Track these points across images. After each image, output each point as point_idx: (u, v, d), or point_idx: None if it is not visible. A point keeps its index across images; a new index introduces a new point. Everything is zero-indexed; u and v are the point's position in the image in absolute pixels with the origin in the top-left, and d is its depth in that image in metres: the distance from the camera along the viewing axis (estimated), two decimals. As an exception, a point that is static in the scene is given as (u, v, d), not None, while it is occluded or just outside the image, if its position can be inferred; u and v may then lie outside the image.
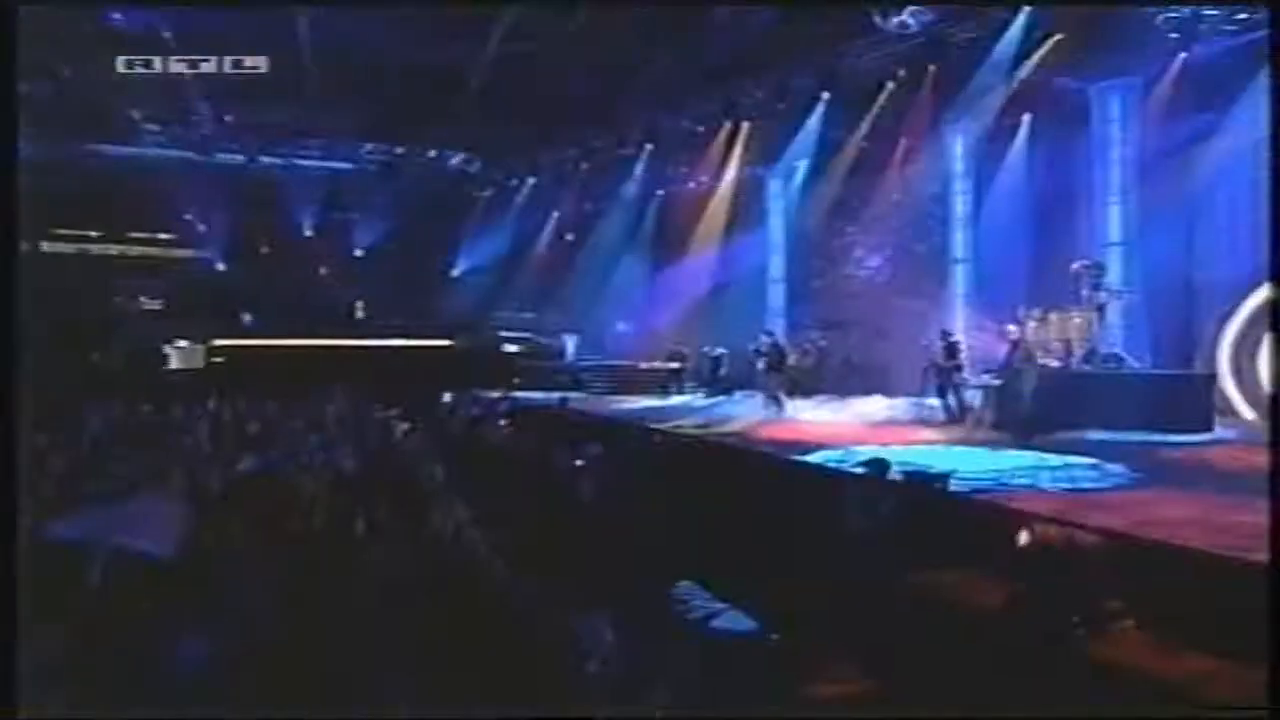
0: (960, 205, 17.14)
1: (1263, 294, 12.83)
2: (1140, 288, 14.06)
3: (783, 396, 13.30)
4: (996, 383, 11.01)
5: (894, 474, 7.74)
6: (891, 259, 17.75)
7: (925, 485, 7.69)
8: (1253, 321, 13.15)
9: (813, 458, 9.41)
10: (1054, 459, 9.04)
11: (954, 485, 7.65)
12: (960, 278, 17.01)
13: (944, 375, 12.50)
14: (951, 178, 16.95)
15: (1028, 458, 9.38)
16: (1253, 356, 13.22)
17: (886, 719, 3.70)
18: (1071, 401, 11.15)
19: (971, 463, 8.93)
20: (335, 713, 2.94)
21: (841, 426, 11.91)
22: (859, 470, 7.74)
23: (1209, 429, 11.22)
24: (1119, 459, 8.82)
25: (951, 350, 12.54)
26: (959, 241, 17.01)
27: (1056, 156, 15.58)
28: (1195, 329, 14.36)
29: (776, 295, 20.01)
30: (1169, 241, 14.37)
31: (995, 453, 9.80)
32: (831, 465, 9.03)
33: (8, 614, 3.15)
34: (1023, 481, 8.16)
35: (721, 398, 16.13)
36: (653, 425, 12.09)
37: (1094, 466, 8.81)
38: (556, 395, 15.26)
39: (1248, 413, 12.90)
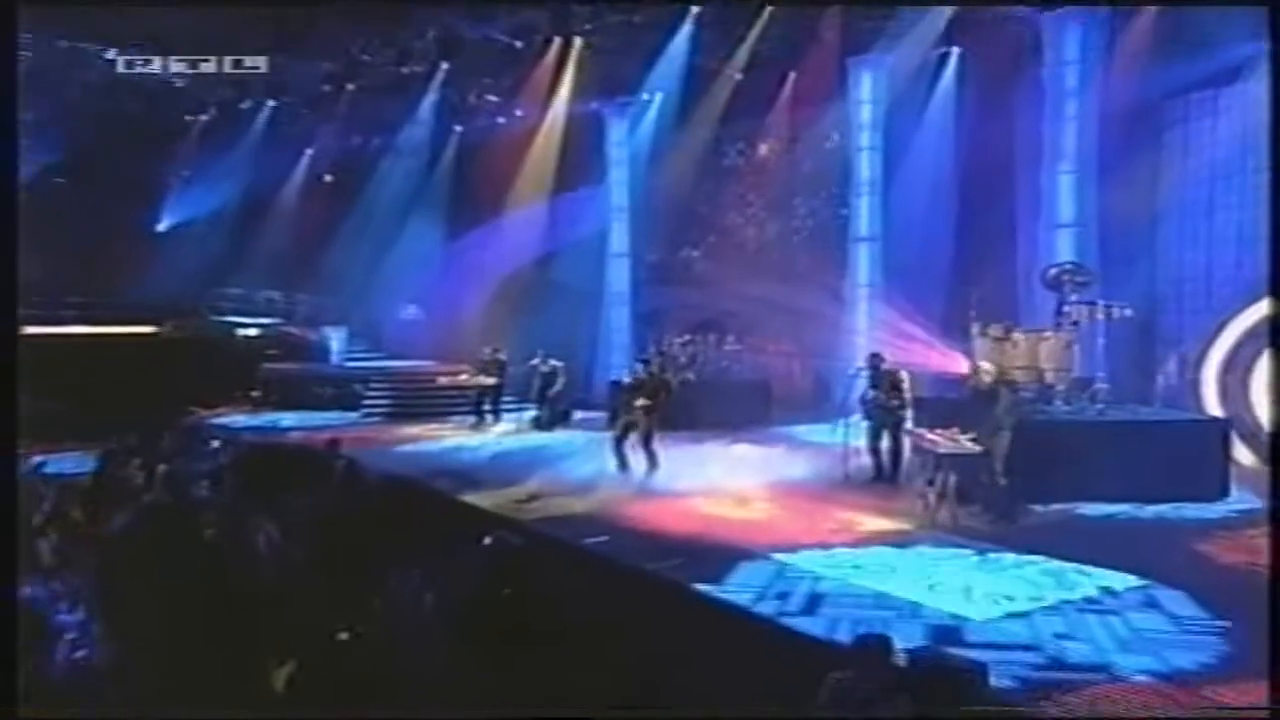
0: (866, 165, 15.93)
1: (1261, 306, 11.65)
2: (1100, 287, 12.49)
3: (656, 450, 11.13)
4: (978, 450, 9.07)
5: (898, 654, 5.58)
6: (776, 235, 16.86)
7: (952, 679, 5.45)
8: (1251, 337, 11.93)
9: (736, 578, 7.59)
10: (1082, 580, 7.55)
11: (980, 660, 5.75)
12: (865, 263, 15.92)
13: (880, 417, 10.78)
14: (856, 128, 15.91)
15: (1041, 576, 7.70)
16: (1245, 383, 12.05)
17: None
18: (1059, 461, 9.77)
19: (965, 585, 7.44)
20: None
21: (745, 503, 10.06)
22: (843, 643, 6.09)
23: (1226, 493, 10.01)
24: (1150, 564, 7.72)
25: (892, 384, 10.79)
26: (864, 214, 15.94)
27: (994, 107, 14.31)
28: (1162, 343, 13.46)
29: (619, 275, 18.54)
30: (1133, 227, 13.28)
31: (985, 560, 8.09)
32: (768, 613, 7.00)
33: (8, 615, 4.17)
34: (1082, 656, 6.23)
35: (558, 431, 14.65)
36: (465, 496, 10.42)
37: (1148, 600, 7.12)
38: (324, 431, 13.27)
39: (1247, 457, 11.75)
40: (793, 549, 8.32)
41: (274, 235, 20.69)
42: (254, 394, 17.76)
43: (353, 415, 16.21)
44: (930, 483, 9.40)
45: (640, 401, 11.05)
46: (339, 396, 17.06)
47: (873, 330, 14.77)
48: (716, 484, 10.78)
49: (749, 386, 15.46)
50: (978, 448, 9.10)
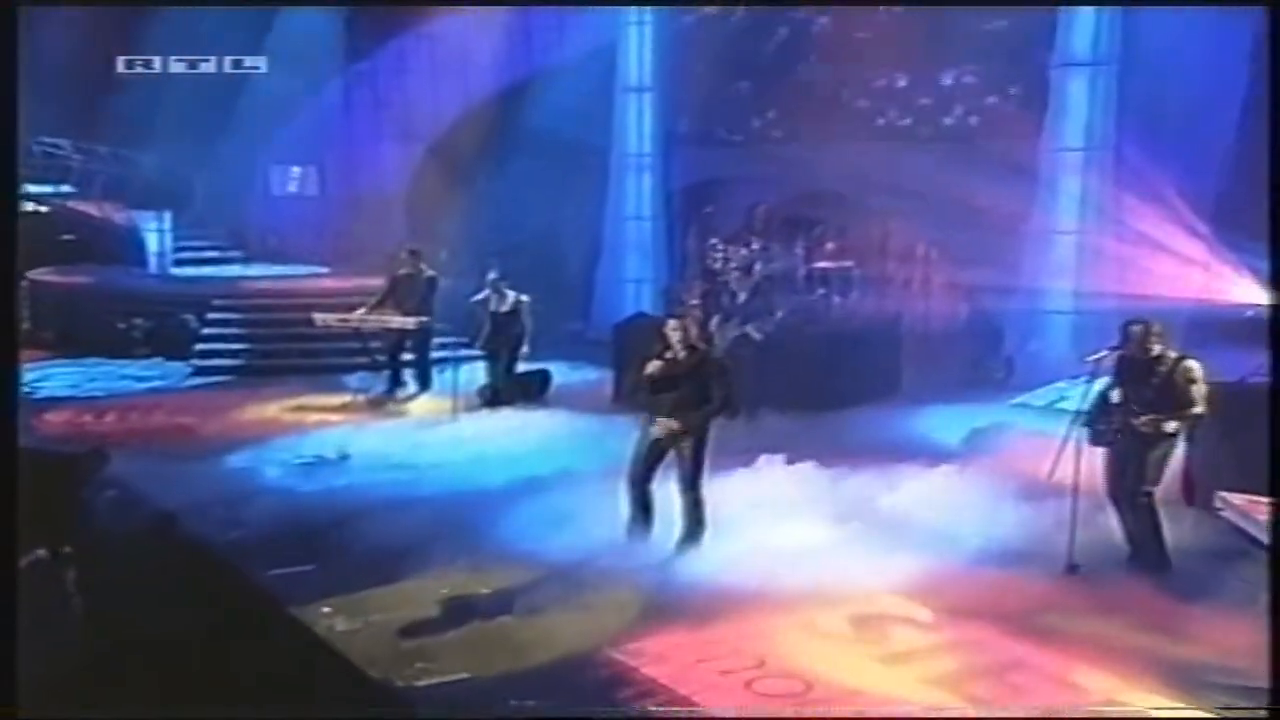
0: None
1: None
2: None
3: (704, 496, 8.69)
4: None
5: None
6: (913, 57, 14.99)
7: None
8: None
9: None
10: None
11: None
12: (1078, 109, 13.83)
13: (1134, 444, 8.19)
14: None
15: None
16: None
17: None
18: None
19: None
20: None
21: (877, 627, 7.62)
22: None
23: None
24: None
25: (1165, 384, 8.29)
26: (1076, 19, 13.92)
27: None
28: None
29: (638, 124, 16.97)
30: None
31: None
32: None
33: (8, 617, 5.12)
34: None
35: (522, 410, 12.39)
36: (326, 604, 7.70)
37: None
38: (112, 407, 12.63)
39: None
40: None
41: (59, 37, 17.49)
42: (17, 326, 15.10)
43: (179, 370, 14.24)
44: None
45: (674, 403, 8.50)
46: (156, 334, 15.11)
47: (1087, 231, 13.21)
48: (821, 579, 7.90)
49: (865, 336, 13.25)
50: None
